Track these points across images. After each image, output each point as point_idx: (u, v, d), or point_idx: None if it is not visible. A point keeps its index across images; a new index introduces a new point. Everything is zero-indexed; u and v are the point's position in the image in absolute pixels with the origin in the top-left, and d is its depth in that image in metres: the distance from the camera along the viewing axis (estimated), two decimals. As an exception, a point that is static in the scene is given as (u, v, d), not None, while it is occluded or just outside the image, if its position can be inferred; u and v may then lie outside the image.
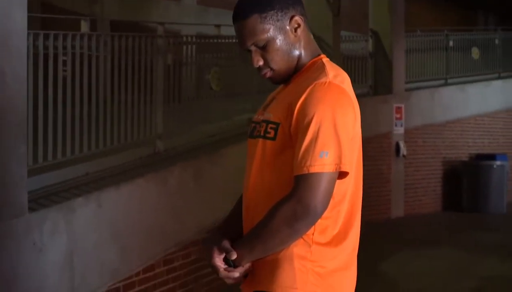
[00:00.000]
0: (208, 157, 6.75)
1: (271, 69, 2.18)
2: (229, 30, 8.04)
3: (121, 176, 5.66)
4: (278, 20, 2.15)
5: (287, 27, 2.16)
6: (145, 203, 5.71)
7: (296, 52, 2.18)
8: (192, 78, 7.14)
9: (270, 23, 2.14)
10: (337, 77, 2.13)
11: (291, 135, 2.10)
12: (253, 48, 2.17)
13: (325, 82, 2.09)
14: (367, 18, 13.23)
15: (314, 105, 2.06)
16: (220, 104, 7.51)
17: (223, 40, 7.73)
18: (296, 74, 2.21)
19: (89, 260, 5.02)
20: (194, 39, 7.23)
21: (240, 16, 2.16)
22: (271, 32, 2.14)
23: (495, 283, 7.49)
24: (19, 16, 4.22)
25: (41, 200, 4.80)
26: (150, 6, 12.51)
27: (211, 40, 7.59)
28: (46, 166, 5.03)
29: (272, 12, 2.14)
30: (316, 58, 2.21)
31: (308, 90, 2.08)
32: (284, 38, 2.16)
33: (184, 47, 6.96)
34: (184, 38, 7.02)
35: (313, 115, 2.05)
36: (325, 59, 2.21)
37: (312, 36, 2.25)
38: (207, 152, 6.83)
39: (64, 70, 5.16)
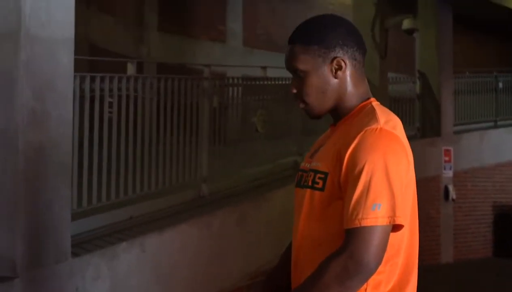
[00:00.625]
0: (252, 201, 6.69)
1: (304, 101, 2.14)
2: (275, 72, 8.10)
3: (165, 220, 5.62)
4: (319, 56, 2.11)
5: (327, 67, 2.11)
6: (188, 248, 5.64)
7: (334, 94, 2.12)
8: (237, 121, 7.10)
9: (310, 57, 2.11)
10: (388, 123, 2.04)
11: (340, 185, 2.01)
12: (293, 74, 2.16)
13: (376, 128, 2.01)
14: (414, 59, 13.17)
15: (365, 153, 1.97)
16: (265, 147, 7.45)
17: (268, 82, 7.71)
18: (343, 119, 2.14)
19: (132, 307, 4.96)
20: (240, 81, 7.22)
21: (290, 39, 2.18)
22: (309, 66, 2.11)
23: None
24: (66, 60, 4.23)
25: (84, 245, 4.76)
26: (196, 48, 12.61)
27: (257, 82, 7.56)
28: (90, 210, 5.00)
29: (315, 47, 2.11)
30: (365, 102, 2.14)
31: (358, 137, 2.00)
32: (322, 76, 2.11)
33: (230, 89, 6.94)
34: (230, 80, 7.00)
35: (364, 165, 1.96)
36: (375, 103, 2.13)
37: (364, 80, 2.18)
38: (251, 195, 6.77)
39: (110, 112, 5.16)
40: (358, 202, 1.94)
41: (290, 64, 2.15)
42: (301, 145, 7.99)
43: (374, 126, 2.01)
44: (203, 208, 6.11)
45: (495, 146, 13.37)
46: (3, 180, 3.97)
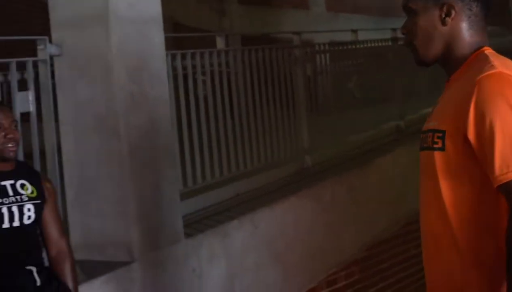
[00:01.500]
0: (360, 168, 6.57)
1: (411, 43, 2.08)
2: (365, 35, 7.94)
3: (272, 194, 5.59)
4: (429, 1, 2.03)
5: (437, 11, 2.02)
6: (300, 221, 5.59)
7: (440, 40, 2.03)
8: (332, 88, 7.00)
9: None
10: (507, 67, 1.91)
11: (468, 142, 1.89)
12: (406, 14, 2.09)
13: (494, 73, 1.88)
14: (509, 11, 12.73)
15: (489, 103, 1.85)
16: (364, 113, 7.32)
17: (360, 45, 7.57)
18: (456, 72, 2.04)
19: (250, 283, 4.97)
20: (331, 47, 7.11)
21: None
22: (419, 6, 2.04)
23: None
24: (157, 38, 4.27)
25: (195, 225, 4.79)
26: (279, 17, 12.51)
27: (349, 46, 7.44)
28: (196, 189, 5.02)
29: None
30: (478, 51, 2.01)
31: (476, 87, 1.88)
32: (430, 19, 2.03)
33: (320, 56, 6.84)
34: (322, 47, 6.89)
35: (493, 115, 1.84)
36: (488, 51, 2.00)
37: (479, 33, 2.04)
38: (357, 163, 6.66)
39: (204, 90, 5.17)
40: (503, 154, 1.82)
41: (404, 2, 2.09)
42: (402, 108, 7.81)
43: (491, 71, 1.89)
44: (310, 180, 6.05)
45: None
46: (110, 167, 4.05)
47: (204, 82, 5.03)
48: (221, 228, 4.82)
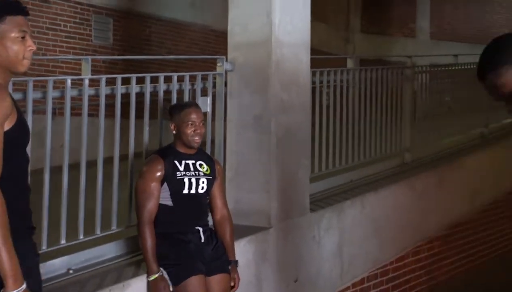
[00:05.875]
0: (448, 165, 6.38)
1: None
2: (462, 59, 7.63)
3: (378, 182, 5.52)
4: None
5: None
6: (398, 204, 5.51)
7: None
8: (430, 101, 6.78)
9: None
10: None
11: None
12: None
13: None
14: None
15: None
16: (456, 121, 7.06)
17: (458, 67, 7.28)
18: None
19: (355, 251, 4.95)
20: (434, 68, 6.88)
21: (485, 69, 1.76)
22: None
23: None
24: (305, 59, 4.28)
25: (318, 202, 4.81)
26: (391, 43, 12.35)
27: (449, 68, 7.17)
28: (320, 175, 5.04)
29: None
30: None
31: None
32: None
33: (424, 75, 6.64)
34: (427, 68, 6.68)
35: None
36: None
37: None
38: (447, 161, 6.46)
39: (327, 99, 5.13)
40: None
41: (502, 92, 1.74)
42: (487, 118, 7.47)
43: None
44: (408, 172, 5.93)
45: None
46: (261, 155, 4.11)
47: (327, 94, 4.99)
48: (337, 206, 4.82)
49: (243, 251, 3.77)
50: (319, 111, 5.00)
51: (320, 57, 4.94)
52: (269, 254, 4.08)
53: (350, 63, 5.29)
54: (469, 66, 7.23)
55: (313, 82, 4.80)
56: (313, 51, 4.42)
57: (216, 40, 9.36)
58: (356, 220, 4.98)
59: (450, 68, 7.16)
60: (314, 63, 4.48)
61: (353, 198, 4.99)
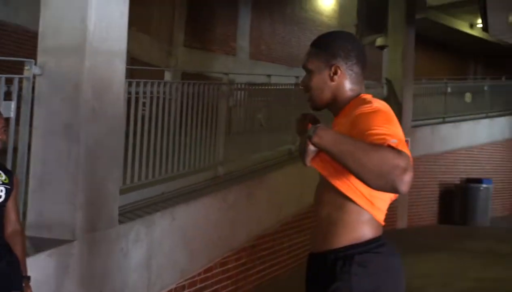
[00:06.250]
0: (258, 179, 6.67)
1: (309, 95, 2.09)
2: (276, 79, 8.06)
3: (190, 194, 5.58)
4: (323, 61, 2.05)
5: (327, 71, 2.04)
6: (209, 216, 5.63)
7: (329, 92, 2.05)
8: (246, 117, 7.06)
9: (317, 60, 2.05)
10: (379, 101, 1.95)
11: None
12: (305, 71, 2.10)
13: (371, 104, 1.90)
14: (381, 69, 13.16)
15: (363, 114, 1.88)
16: (267, 137, 7.42)
17: (271, 87, 7.67)
18: (340, 112, 2.05)
19: (164, 262, 4.95)
20: (249, 86, 7.17)
21: (311, 43, 2.13)
22: (315, 66, 2.06)
23: (484, 284, 7.28)
24: (120, 67, 4.19)
25: (128, 214, 4.74)
26: (213, 59, 12.60)
27: (263, 87, 7.52)
28: (132, 187, 4.97)
29: (322, 53, 2.05)
30: (356, 98, 2.03)
31: (356, 113, 1.90)
32: (322, 77, 2.05)
33: (240, 92, 6.89)
34: (243, 85, 6.95)
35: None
36: (364, 95, 2.03)
37: (358, 85, 2.05)
38: (257, 175, 6.75)
39: (143, 110, 5.10)
40: None
41: (304, 63, 2.09)
42: (295, 136, 7.94)
43: (368, 104, 1.91)
44: (220, 185, 6.08)
45: (442, 137, 13.41)
46: (68, 164, 3.94)
47: (144, 104, 4.95)
48: (147, 218, 4.77)
49: (42, 265, 3.58)
50: (134, 122, 4.93)
51: (138, 68, 4.89)
52: (72, 267, 3.92)
53: (167, 76, 5.31)
54: (281, 87, 7.65)
55: (130, 93, 4.73)
56: (135, 61, 4.36)
57: (33, 42, 8.74)
58: (166, 231, 4.98)
59: (264, 87, 7.50)
60: (135, 74, 4.42)
61: (164, 210, 4.98)
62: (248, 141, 6.94)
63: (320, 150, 1.82)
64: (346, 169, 1.74)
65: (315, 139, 1.80)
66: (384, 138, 1.73)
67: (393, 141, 1.72)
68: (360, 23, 11.39)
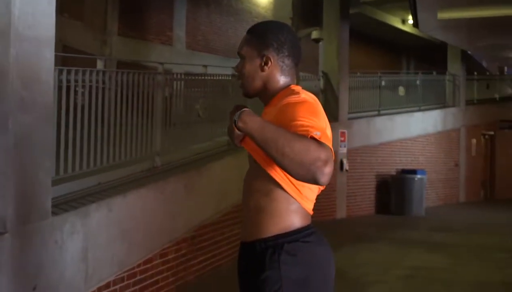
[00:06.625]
0: (196, 170, 6.62)
1: (241, 81, 2.11)
2: (213, 70, 8.02)
3: (127, 185, 5.49)
4: (256, 50, 2.07)
5: (259, 60, 2.07)
6: (146, 207, 5.55)
7: (260, 81, 2.07)
8: (183, 108, 6.99)
9: (250, 48, 2.07)
10: (307, 93, 2.00)
11: None
12: (240, 57, 2.11)
13: (298, 95, 1.95)
14: (318, 62, 13.32)
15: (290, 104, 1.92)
16: (205, 128, 7.39)
17: (208, 77, 7.63)
18: (270, 102, 2.08)
19: (100, 255, 4.85)
20: (188, 77, 7.11)
21: (248, 29, 2.15)
22: (248, 54, 2.08)
23: (420, 271, 7.50)
24: (49, 55, 4.06)
25: (62, 206, 4.61)
26: (149, 49, 12.40)
27: (200, 77, 7.47)
28: (65, 177, 4.84)
29: (256, 41, 2.07)
30: (285, 88, 2.07)
31: (283, 102, 1.95)
32: (253, 65, 2.07)
33: (177, 82, 6.83)
34: (180, 75, 6.88)
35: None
36: (293, 86, 2.07)
37: (289, 77, 2.09)
38: (195, 166, 6.70)
39: (76, 99, 4.97)
40: None
41: (239, 49, 2.11)
42: (233, 127, 7.95)
43: (295, 95, 1.96)
44: (157, 176, 6.01)
45: (378, 129, 13.70)
46: (-4, 155, 3.79)
47: (76, 93, 4.83)
48: (82, 209, 4.65)
49: (-31, 259, 3.43)
50: (66, 111, 4.80)
51: (70, 55, 4.76)
52: (3, 262, 3.77)
53: (100, 64, 5.19)
54: (218, 77, 7.62)
55: (61, 81, 4.60)
56: (68, 49, 4.23)
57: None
58: (102, 223, 4.87)
59: (201, 77, 7.46)
60: (68, 62, 4.29)
61: (100, 201, 4.87)
62: (186, 132, 6.89)
63: (246, 135, 1.84)
64: (269, 156, 1.76)
65: (240, 124, 1.81)
66: (307, 130, 1.77)
67: (316, 134, 1.76)
68: (296, 16, 11.50)
